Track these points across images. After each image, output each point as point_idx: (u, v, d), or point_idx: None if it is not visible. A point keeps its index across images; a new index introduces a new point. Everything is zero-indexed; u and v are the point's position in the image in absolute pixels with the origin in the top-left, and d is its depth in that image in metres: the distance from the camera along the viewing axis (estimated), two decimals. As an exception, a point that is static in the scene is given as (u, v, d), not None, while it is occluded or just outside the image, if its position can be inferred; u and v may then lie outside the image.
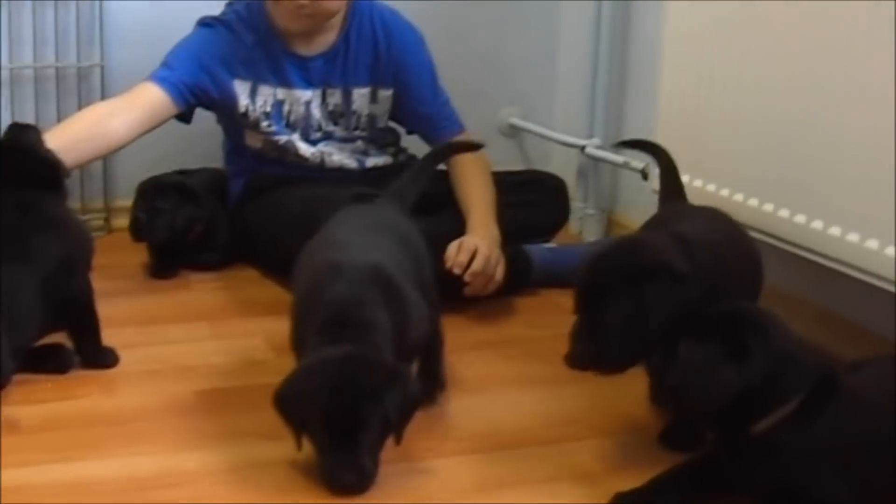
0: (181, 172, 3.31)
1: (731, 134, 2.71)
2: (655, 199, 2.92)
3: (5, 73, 3.37)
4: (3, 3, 3.33)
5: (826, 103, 2.41)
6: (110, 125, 2.90)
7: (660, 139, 2.91)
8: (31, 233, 2.44)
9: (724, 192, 2.72)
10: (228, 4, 3.15)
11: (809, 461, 1.84)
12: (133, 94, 2.97)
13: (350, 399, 1.97)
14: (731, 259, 2.20)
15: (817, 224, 2.45)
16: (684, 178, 2.81)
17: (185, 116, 3.11)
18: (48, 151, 2.57)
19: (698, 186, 2.79)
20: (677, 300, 1.98)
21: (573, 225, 3.60)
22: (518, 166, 3.81)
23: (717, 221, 2.33)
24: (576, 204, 3.60)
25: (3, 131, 2.65)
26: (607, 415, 2.36)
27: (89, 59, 3.45)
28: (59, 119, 3.39)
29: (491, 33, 3.84)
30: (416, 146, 3.29)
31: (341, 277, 2.08)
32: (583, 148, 3.55)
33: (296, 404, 2.00)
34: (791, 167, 2.52)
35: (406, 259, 2.25)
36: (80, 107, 3.41)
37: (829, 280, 2.53)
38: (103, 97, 3.43)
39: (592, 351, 2.03)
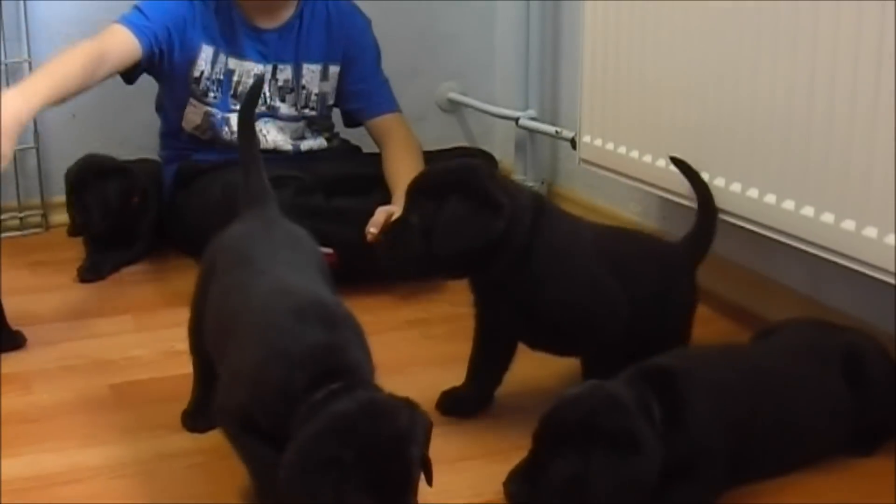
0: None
1: (651, 100, 2.67)
2: (584, 168, 2.93)
3: (-67, 73, 3.34)
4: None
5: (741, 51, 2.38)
6: (98, 71, 2.88)
7: (584, 107, 2.90)
8: None
9: (647, 158, 2.69)
10: None
11: None
12: (107, 40, 2.94)
13: (395, 452, 1.70)
14: None
15: (735, 187, 2.42)
16: (608, 147, 2.80)
17: (130, 76, 3.09)
18: None
19: (621, 153, 2.77)
20: (630, 475, 1.81)
21: (514, 199, 3.57)
22: (460, 142, 3.78)
23: None
24: (516, 176, 3.58)
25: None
26: (527, 392, 2.33)
27: (16, 55, 3.42)
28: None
29: (428, 9, 3.81)
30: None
31: (309, 321, 1.83)
32: (517, 120, 3.51)
33: (326, 475, 1.66)
34: (711, 131, 2.49)
35: (319, 273, 2.11)
36: (10, 105, 3.40)
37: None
38: (32, 94, 3.41)
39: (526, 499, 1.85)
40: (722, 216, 2.46)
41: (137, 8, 3.02)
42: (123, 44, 2.96)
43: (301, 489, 1.68)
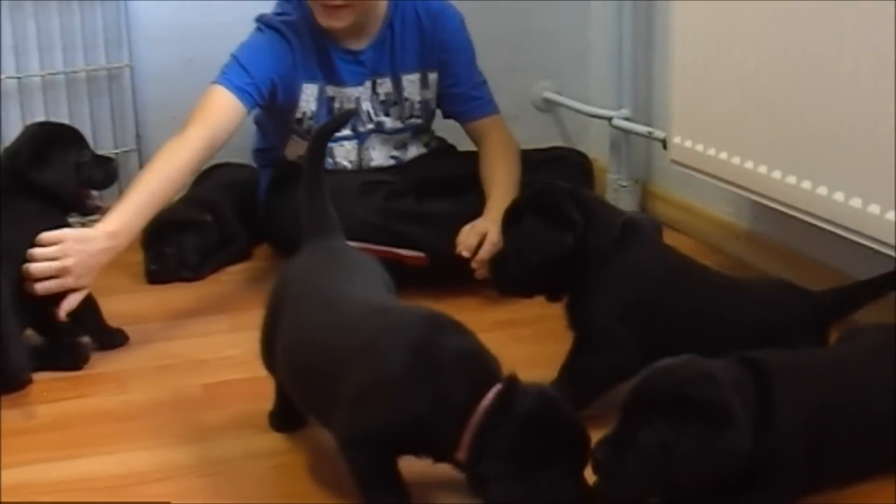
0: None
1: (742, 101, 2.65)
2: (674, 168, 2.92)
3: (37, 79, 3.43)
4: (31, 10, 3.40)
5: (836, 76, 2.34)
6: (192, 167, 2.86)
7: (674, 108, 2.90)
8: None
9: (735, 160, 2.67)
10: (279, 3, 3.13)
11: None
12: (208, 109, 2.88)
13: (587, 438, 1.84)
14: None
15: (822, 190, 2.40)
16: (698, 148, 2.79)
17: None
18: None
19: (711, 154, 2.76)
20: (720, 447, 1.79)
21: (608, 197, 3.57)
22: (555, 140, 3.79)
23: None
24: (610, 175, 3.59)
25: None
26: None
27: (118, 60, 3.50)
28: (92, 120, 3.50)
29: (523, 7, 3.81)
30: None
31: (443, 330, 1.88)
32: (610, 119, 3.51)
33: (543, 475, 1.77)
34: (800, 135, 2.46)
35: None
36: (112, 107, 3.52)
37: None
38: (134, 97, 3.53)
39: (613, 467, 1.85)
40: (811, 220, 2.44)
41: (236, 60, 2.95)
42: (229, 116, 2.88)
43: (520, 494, 1.75)
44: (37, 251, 2.51)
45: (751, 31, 2.61)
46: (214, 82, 2.91)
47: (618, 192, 3.57)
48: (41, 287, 2.50)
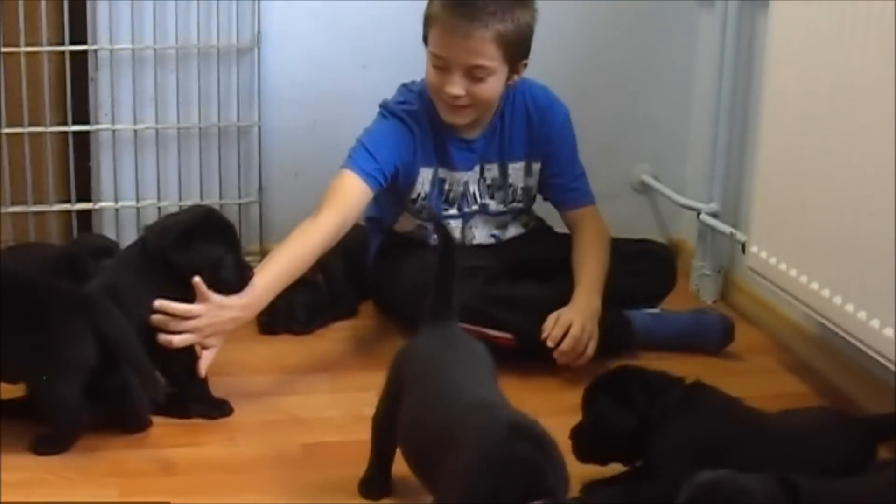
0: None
1: (825, 226, 2.74)
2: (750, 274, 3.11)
3: (172, 131, 3.74)
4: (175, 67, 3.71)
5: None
6: (323, 247, 3.07)
7: (754, 216, 3.07)
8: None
9: (813, 286, 2.79)
10: (403, 86, 3.37)
11: None
12: (340, 193, 3.12)
13: None
14: None
15: (889, 332, 2.49)
16: (772, 261, 2.96)
17: None
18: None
19: (786, 272, 2.90)
20: None
21: (691, 283, 3.78)
22: (648, 221, 4.04)
23: None
24: (695, 262, 3.78)
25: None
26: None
27: (248, 118, 3.78)
28: (221, 171, 3.80)
29: (627, 92, 4.02)
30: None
31: (521, 437, 2.07)
32: (698, 213, 3.70)
33: None
34: (875, 270, 2.53)
35: (496, 385, 2.38)
36: (239, 161, 3.81)
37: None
38: (260, 153, 3.81)
39: None
40: (874, 355, 2.58)
41: (363, 146, 3.19)
42: (357, 199, 3.14)
43: None
44: (181, 306, 2.79)
45: (836, 158, 2.68)
46: (344, 167, 3.17)
47: (701, 280, 3.75)
48: (179, 340, 2.78)
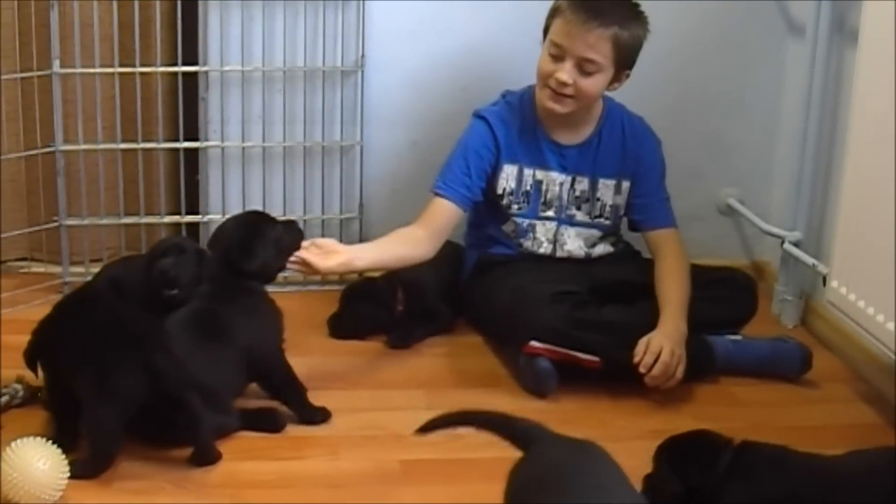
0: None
1: None
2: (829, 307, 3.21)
3: (278, 149, 3.93)
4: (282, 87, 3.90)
5: None
6: (413, 255, 3.41)
7: (836, 251, 3.17)
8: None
9: (891, 326, 2.84)
10: (502, 96, 3.60)
11: None
12: (433, 218, 3.43)
13: None
14: None
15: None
16: (851, 297, 3.05)
17: None
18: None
19: (865, 309, 2.98)
20: None
21: (773, 308, 3.89)
22: (733, 243, 4.17)
23: None
24: (777, 287, 3.88)
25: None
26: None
27: (351, 138, 3.95)
28: (324, 187, 3.98)
29: (715, 117, 4.13)
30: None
31: None
32: (782, 241, 3.81)
33: None
34: None
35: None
36: (341, 178, 3.98)
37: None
38: (361, 171, 3.98)
39: None
40: None
41: (450, 167, 3.47)
42: (450, 220, 3.45)
43: None
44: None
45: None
46: (436, 193, 3.43)
47: (782, 304, 3.85)
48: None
